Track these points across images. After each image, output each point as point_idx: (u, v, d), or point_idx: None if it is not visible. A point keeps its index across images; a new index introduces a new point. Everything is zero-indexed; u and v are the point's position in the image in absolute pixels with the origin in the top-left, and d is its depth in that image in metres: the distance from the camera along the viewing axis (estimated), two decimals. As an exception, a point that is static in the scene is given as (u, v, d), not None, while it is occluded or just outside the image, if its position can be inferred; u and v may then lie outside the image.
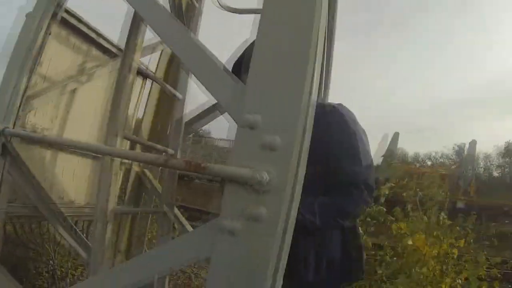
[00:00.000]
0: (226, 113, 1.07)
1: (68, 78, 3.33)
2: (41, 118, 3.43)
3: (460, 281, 4.15)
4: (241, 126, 0.98)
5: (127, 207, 3.16)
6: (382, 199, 4.84)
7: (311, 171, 1.74)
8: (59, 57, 3.40)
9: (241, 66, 1.75)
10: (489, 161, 40.75)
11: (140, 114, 3.71)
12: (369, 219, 4.51)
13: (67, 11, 3.28)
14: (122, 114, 1.58)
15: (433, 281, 4.02)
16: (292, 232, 1.05)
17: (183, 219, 2.67)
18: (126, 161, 2.65)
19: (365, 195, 1.80)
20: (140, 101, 3.81)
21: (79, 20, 3.53)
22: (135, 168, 3.23)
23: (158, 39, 3.33)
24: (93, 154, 3.50)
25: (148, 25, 1.41)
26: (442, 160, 40.66)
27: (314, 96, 1.03)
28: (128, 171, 3.21)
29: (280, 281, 1.05)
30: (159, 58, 3.74)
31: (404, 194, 5.07)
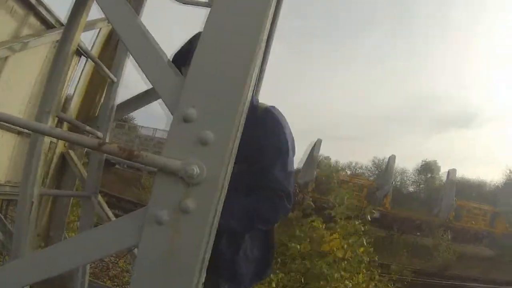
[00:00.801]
0: (159, 103, 1.08)
1: (0, 43, 3.10)
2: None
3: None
4: (176, 118, 0.99)
5: (49, 189, 3.04)
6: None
7: (238, 169, 1.79)
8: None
9: (181, 56, 1.74)
10: (406, 177, 43.20)
11: (70, 92, 3.54)
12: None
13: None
14: (58, 92, 1.52)
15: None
16: (216, 227, 1.09)
17: (105, 206, 2.62)
18: (53, 140, 2.54)
19: (286, 203, 1.85)
20: (72, 78, 3.63)
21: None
22: (60, 148, 3.11)
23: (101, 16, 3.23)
24: (19, 129, 3.29)
25: (96, 2, 1.37)
26: (361, 171, 42.50)
27: (250, 96, 1.07)
28: (52, 151, 3.08)
29: (203, 276, 1.09)
30: (97, 36, 3.61)
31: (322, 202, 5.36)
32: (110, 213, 2.87)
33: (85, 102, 3.04)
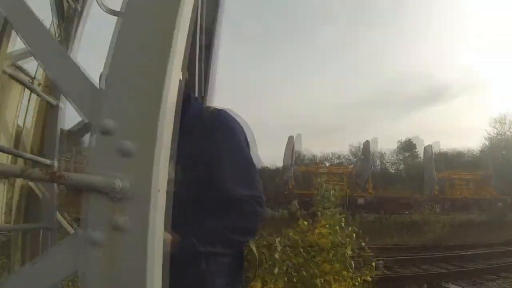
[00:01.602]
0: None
1: None
2: None
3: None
4: (95, 132, 0.94)
5: (16, 224, 2.93)
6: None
7: (194, 180, 1.71)
8: None
9: None
10: (385, 159, 43.69)
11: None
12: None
13: None
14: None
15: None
16: (161, 243, 1.02)
17: (68, 227, 2.52)
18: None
19: (259, 208, 1.75)
20: (20, 109, 3.51)
21: None
22: (19, 181, 3.01)
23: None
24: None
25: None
26: (339, 161, 42.75)
27: (172, 100, 1.02)
28: (12, 186, 2.98)
29: None
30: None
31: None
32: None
33: (36, 133, 2.92)
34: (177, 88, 1.06)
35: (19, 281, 1.06)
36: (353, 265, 4.64)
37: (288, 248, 4.62)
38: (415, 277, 9.74)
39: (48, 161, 2.15)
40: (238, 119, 1.88)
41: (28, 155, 1.96)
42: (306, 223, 5.03)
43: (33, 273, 1.02)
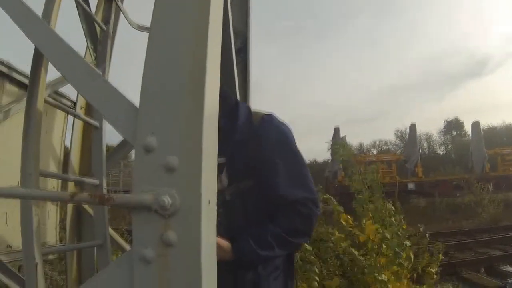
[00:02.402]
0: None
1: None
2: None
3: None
4: (138, 150, 0.94)
5: (70, 244, 3.03)
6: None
7: (250, 189, 1.75)
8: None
9: None
10: (432, 141, 42.51)
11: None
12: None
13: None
14: (34, 151, 1.50)
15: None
16: (215, 255, 1.01)
17: (121, 242, 2.57)
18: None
19: (314, 209, 1.77)
20: (65, 133, 3.63)
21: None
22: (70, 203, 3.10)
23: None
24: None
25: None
26: (386, 147, 41.93)
27: (213, 109, 1.00)
28: (64, 207, 3.07)
29: None
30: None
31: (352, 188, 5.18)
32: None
33: (84, 153, 3.01)
34: (217, 96, 1.05)
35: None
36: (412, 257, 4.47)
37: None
38: (471, 261, 9.40)
39: (96, 181, 2.20)
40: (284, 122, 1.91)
41: (77, 178, 2.01)
42: (350, 217, 4.90)
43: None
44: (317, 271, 4.01)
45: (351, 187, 5.17)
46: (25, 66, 3.58)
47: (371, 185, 5.18)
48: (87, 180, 2.15)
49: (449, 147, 41.64)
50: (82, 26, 2.71)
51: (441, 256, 5.25)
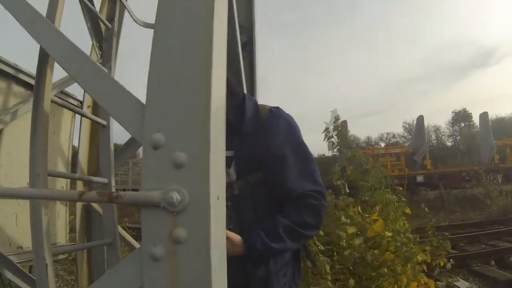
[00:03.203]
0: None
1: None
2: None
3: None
4: (145, 147, 0.93)
5: (80, 243, 3.04)
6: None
7: (260, 182, 1.76)
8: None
9: None
10: (440, 133, 42.26)
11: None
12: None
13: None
14: (42, 152, 1.50)
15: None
16: (225, 250, 1.01)
17: (131, 240, 2.58)
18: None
19: (322, 201, 1.77)
20: (73, 133, 3.65)
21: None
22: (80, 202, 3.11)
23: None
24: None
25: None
26: (395, 140, 41.76)
27: (220, 103, 0.99)
28: (73, 206, 3.09)
29: None
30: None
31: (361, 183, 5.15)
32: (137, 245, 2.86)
33: (92, 152, 3.02)
34: (223, 91, 1.04)
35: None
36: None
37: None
38: (482, 253, 9.33)
39: (105, 180, 2.20)
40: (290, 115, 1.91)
41: (85, 177, 2.01)
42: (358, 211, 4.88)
43: (103, 285, 1.04)
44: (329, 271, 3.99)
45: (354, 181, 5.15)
46: (31, 67, 3.59)
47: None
48: (96, 179, 2.16)
49: (457, 138, 41.40)
50: (87, 25, 2.72)
51: (449, 246, 5.22)
